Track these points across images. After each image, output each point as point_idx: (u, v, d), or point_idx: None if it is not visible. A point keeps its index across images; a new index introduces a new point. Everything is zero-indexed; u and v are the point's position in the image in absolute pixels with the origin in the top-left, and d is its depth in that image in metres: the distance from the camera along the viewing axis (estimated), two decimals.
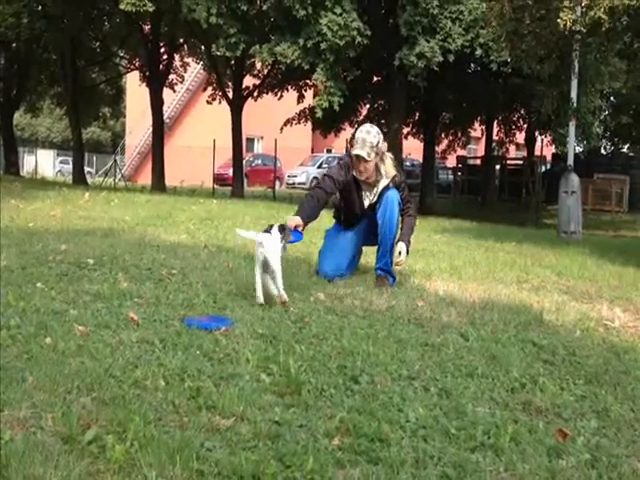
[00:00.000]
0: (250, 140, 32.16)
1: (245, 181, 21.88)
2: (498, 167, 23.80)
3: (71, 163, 26.44)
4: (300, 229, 3.85)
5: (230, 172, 21.65)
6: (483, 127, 22.39)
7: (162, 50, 21.20)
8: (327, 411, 2.07)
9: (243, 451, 1.75)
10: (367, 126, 4.30)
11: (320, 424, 1.96)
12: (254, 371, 2.38)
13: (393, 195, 4.23)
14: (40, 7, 19.05)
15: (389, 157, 4.31)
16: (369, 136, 4.13)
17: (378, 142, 4.15)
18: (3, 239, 5.03)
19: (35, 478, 1.54)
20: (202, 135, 28.09)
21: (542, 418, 2.15)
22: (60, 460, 1.63)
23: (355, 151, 4.15)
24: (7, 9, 18.75)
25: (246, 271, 4.14)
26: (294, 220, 3.84)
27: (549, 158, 23.16)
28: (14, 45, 22.78)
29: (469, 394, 2.30)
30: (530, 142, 23.44)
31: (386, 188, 4.27)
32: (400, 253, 4.19)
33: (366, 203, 4.39)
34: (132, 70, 25.14)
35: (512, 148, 26.53)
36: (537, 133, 22.58)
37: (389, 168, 4.29)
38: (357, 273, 4.54)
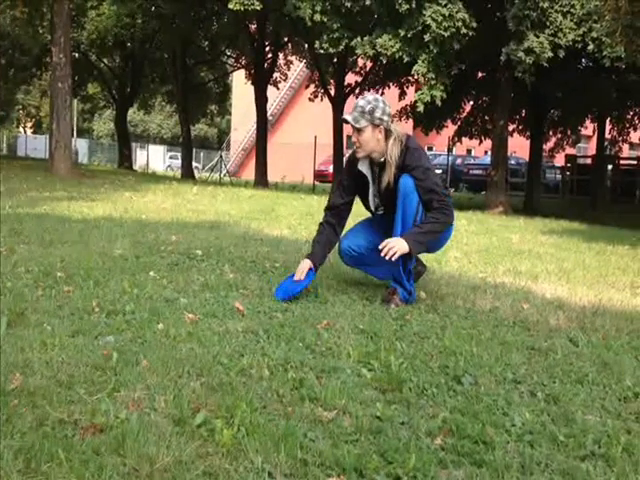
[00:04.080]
0: (350, 137, 32.23)
1: None
2: (610, 167, 22.64)
3: (180, 158, 27.62)
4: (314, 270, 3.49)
5: (330, 169, 21.88)
6: (594, 125, 21.34)
7: (267, 49, 21.70)
8: (429, 410, 2.04)
9: (345, 444, 1.77)
10: (368, 93, 3.60)
11: (422, 422, 1.94)
12: (355, 366, 2.39)
13: (406, 182, 3.33)
14: (153, 7, 20.01)
15: (400, 141, 3.42)
16: (362, 100, 3.46)
17: (373, 109, 3.38)
18: (118, 229, 5.32)
19: (149, 457, 1.61)
20: (303, 132, 28.53)
21: None
22: (172, 441, 1.69)
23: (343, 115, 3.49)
24: (122, 9, 19.82)
25: (347, 267, 4.16)
26: (303, 269, 3.43)
27: None
28: (129, 44, 24.04)
29: (578, 401, 2.21)
30: None
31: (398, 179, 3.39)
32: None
33: (372, 203, 3.60)
34: (238, 69, 25.91)
35: (625, 147, 25.17)
36: None
37: (394, 150, 3.40)
38: (454, 274, 4.45)
